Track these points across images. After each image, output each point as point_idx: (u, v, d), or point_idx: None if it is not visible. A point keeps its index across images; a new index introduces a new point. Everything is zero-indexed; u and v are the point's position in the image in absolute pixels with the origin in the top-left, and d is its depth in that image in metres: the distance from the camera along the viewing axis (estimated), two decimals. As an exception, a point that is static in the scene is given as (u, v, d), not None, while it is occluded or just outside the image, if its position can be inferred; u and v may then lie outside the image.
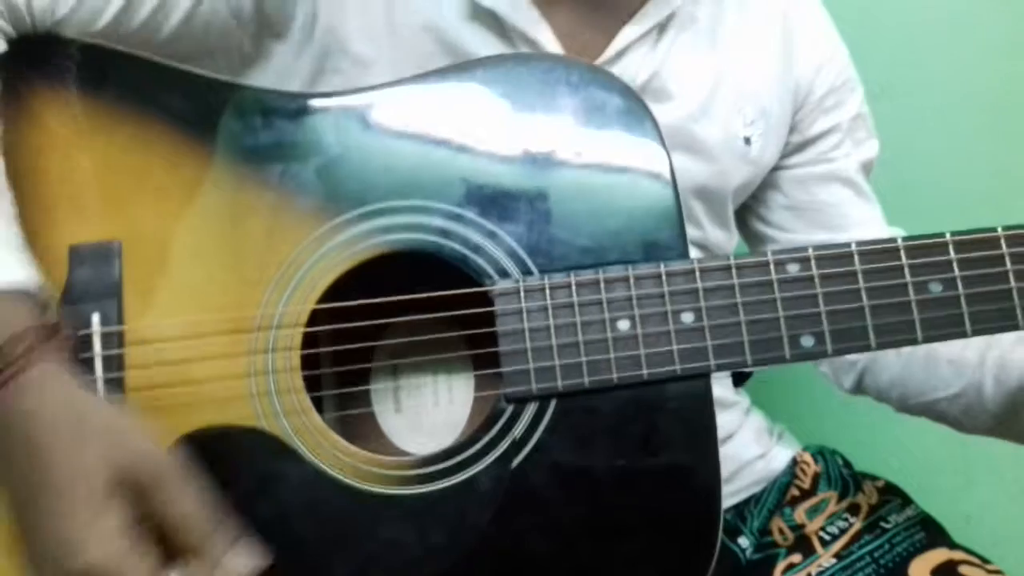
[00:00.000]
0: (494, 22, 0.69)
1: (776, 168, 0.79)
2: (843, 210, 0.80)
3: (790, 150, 0.79)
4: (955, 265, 0.57)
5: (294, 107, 0.62)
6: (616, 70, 0.70)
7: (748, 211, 0.83)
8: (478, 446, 0.58)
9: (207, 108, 0.62)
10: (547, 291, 0.58)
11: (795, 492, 0.78)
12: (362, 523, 0.57)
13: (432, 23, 0.69)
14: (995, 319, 0.56)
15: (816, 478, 0.79)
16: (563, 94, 0.62)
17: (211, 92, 0.63)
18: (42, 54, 0.63)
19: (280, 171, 0.61)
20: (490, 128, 0.62)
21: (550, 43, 0.69)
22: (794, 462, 0.80)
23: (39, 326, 0.52)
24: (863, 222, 0.81)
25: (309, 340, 0.59)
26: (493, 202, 0.60)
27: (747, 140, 0.75)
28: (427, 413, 0.66)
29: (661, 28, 0.72)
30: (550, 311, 0.58)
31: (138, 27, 0.66)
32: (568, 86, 0.62)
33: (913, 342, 0.56)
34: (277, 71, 0.70)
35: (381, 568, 0.57)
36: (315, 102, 0.63)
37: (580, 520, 0.57)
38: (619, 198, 0.61)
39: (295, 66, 0.70)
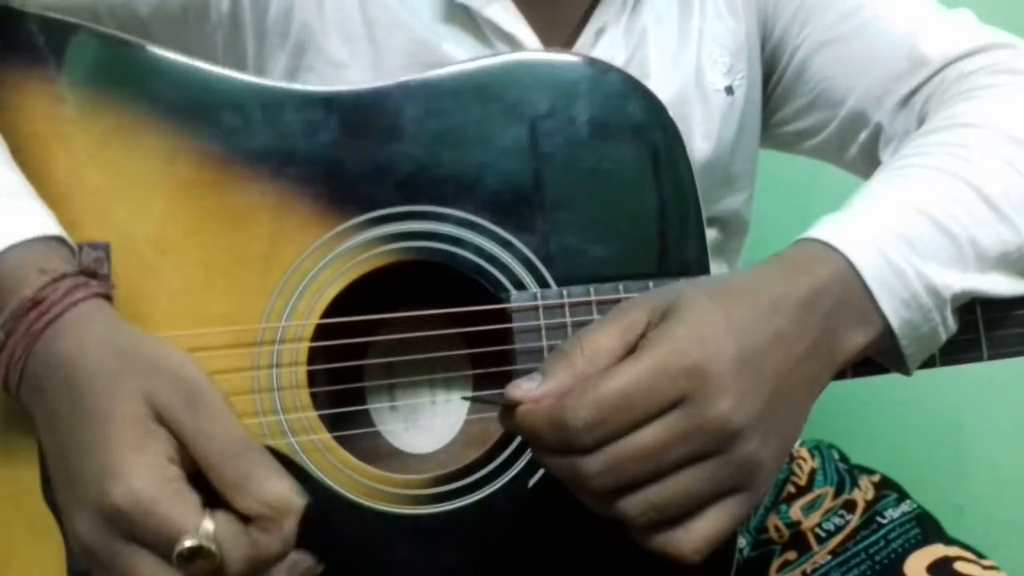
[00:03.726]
0: (468, 19, 0.67)
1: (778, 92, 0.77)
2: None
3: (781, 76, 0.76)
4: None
5: (298, 102, 0.59)
6: (597, 52, 0.68)
7: (795, 144, 0.79)
8: (493, 465, 0.57)
9: (202, 99, 0.58)
10: (567, 309, 0.56)
11: (791, 489, 0.78)
12: (374, 544, 0.56)
13: (404, 22, 0.66)
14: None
15: (812, 474, 0.79)
16: (582, 97, 0.59)
17: (206, 81, 0.58)
18: (11, 32, 0.58)
19: (283, 171, 0.57)
20: (505, 131, 0.59)
21: (528, 37, 0.67)
22: (791, 458, 0.80)
23: (77, 270, 0.50)
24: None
25: (314, 353, 0.57)
26: (508, 209, 0.58)
27: (729, 90, 0.73)
28: (427, 425, 0.64)
29: (635, 1, 0.70)
30: (569, 330, 0.56)
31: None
32: (588, 89, 0.59)
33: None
34: (255, 68, 0.67)
35: (394, 591, 0.56)
36: (320, 98, 0.59)
37: (598, 540, 0.56)
38: (639, 207, 0.59)
39: (270, 64, 0.66)
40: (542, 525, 0.56)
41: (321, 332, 0.57)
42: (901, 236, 0.54)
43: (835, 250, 0.52)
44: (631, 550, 0.53)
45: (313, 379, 0.56)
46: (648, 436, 0.46)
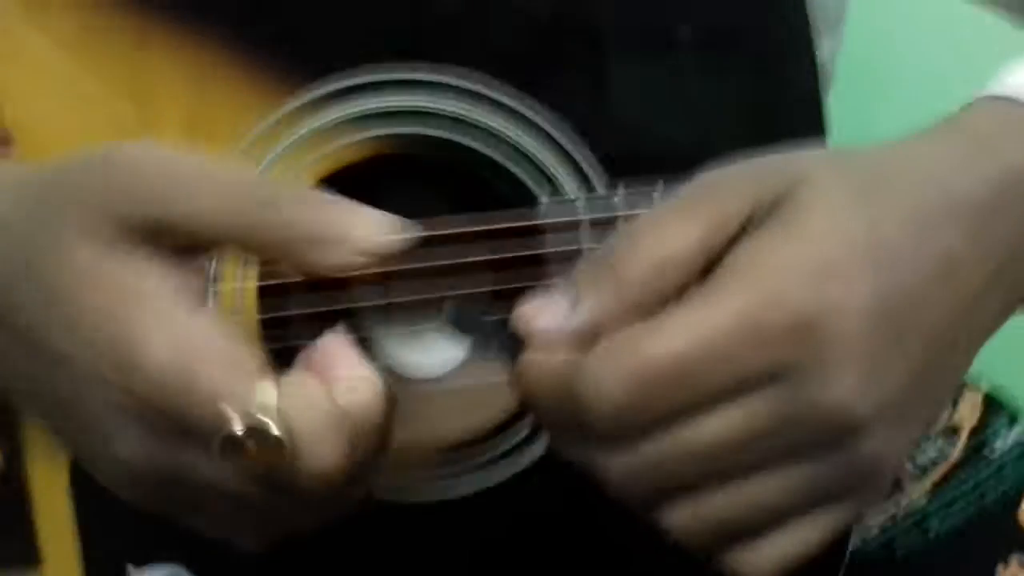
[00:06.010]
0: None
1: None
2: None
3: None
4: None
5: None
6: None
7: None
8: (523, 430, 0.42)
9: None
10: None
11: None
12: (368, 537, 0.42)
13: None
14: None
15: (903, 390, 0.66)
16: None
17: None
18: None
19: (202, 13, 0.40)
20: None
21: None
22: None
23: None
24: None
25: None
26: (536, 73, 0.41)
27: None
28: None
29: None
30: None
31: None
32: None
33: None
34: None
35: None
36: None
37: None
38: (728, 60, 0.42)
39: None
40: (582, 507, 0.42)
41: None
42: None
43: None
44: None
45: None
46: (716, 429, 0.29)
